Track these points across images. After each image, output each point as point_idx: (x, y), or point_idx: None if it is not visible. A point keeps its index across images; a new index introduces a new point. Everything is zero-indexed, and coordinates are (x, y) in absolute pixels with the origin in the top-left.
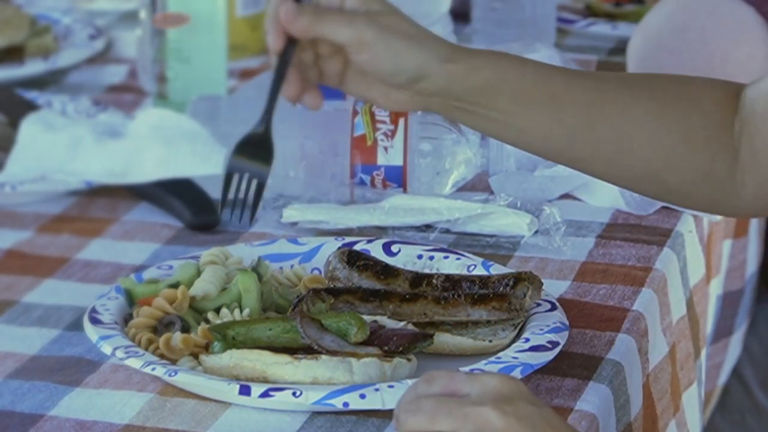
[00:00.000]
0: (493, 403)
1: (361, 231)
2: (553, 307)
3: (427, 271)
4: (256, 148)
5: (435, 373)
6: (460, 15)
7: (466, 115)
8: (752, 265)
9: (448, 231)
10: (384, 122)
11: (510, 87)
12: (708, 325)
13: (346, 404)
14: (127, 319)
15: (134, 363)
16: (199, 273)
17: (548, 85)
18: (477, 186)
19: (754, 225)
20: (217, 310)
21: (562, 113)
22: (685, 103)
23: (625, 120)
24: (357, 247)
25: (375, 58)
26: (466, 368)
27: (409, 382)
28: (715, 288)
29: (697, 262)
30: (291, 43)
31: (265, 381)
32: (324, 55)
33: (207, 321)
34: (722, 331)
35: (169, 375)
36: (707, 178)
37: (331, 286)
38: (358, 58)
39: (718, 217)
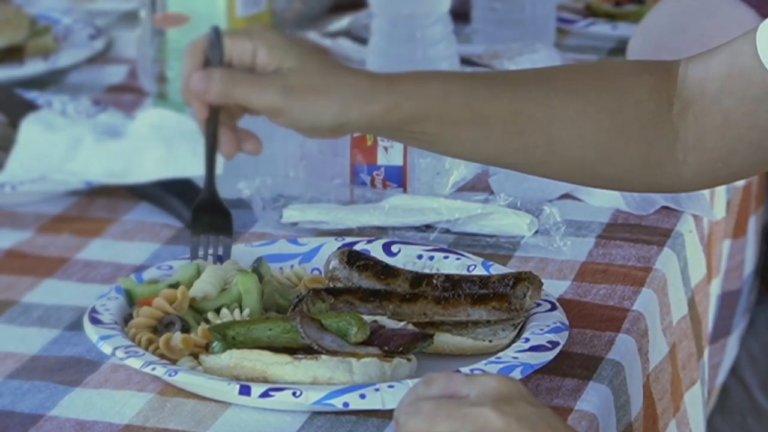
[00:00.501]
0: (492, 403)
1: (361, 231)
2: (553, 307)
3: (427, 271)
4: (212, 214)
5: (434, 375)
6: (460, 15)
7: (390, 135)
8: (750, 265)
9: (448, 231)
10: None
11: (434, 113)
12: (709, 325)
13: (346, 404)
14: (127, 319)
15: (134, 363)
16: (199, 273)
17: (473, 104)
18: (477, 186)
19: (753, 225)
20: (218, 311)
21: (488, 128)
22: (614, 97)
23: (553, 124)
24: (357, 247)
25: (291, 120)
26: (466, 368)
27: (409, 382)
28: (716, 288)
29: (698, 262)
30: (214, 108)
31: (265, 381)
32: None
33: (207, 321)
34: (720, 331)
35: (169, 375)
36: (645, 165)
37: (331, 286)
38: (275, 121)
39: (719, 217)
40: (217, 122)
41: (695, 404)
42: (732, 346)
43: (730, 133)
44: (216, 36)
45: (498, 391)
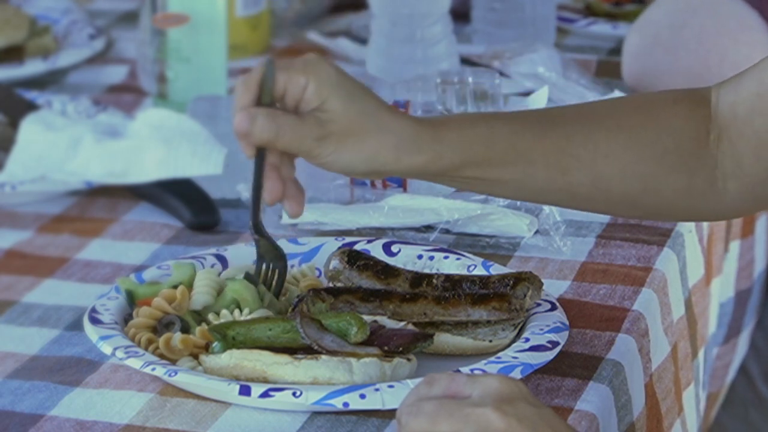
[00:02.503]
0: (494, 404)
1: (360, 232)
2: (553, 307)
3: (427, 271)
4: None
5: (436, 376)
6: (460, 15)
7: (429, 180)
8: (760, 264)
9: (447, 231)
10: None
11: (478, 159)
12: (709, 325)
13: (346, 404)
14: (127, 319)
15: (134, 363)
16: (195, 270)
17: (517, 146)
18: None
19: (761, 224)
20: (217, 311)
21: (532, 168)
22: (653, 127)
23: (597, 160)
24: (357, 247)
25: (329, 165)
26: (467, 368)
27: (409, 382)
28: (716, 288)
29: (696, 263)
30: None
31: (265, 381)
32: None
33: (207, 323)
34: (732, 331)
35: (169, 375)
36: (687, 195)
37: (331, 286)
38: (319, 161)
39: None
40: (263, 162)
41: (690, 405)
42: (742, 344)
43: (765, 154)
44: (270, 69)
45: (500, 392)
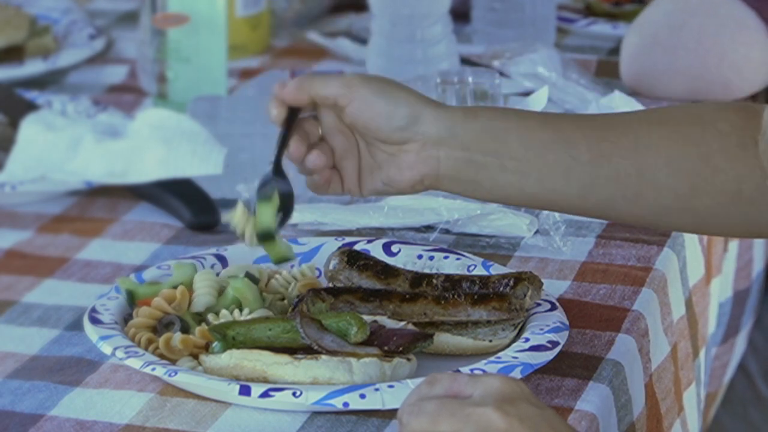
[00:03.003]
0: (495, 404)
1: (360, 232)
2: (553, 307)
3: (427, 271)
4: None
5: (438, 376)
6: (460, 15)
7: (481, 171)
8: (759, 263)
9: (447, 231)
10: None
11: (516, 128)
12: (709, 325)
13: (346, 404)
14: (127, 319)
15: (134, 363)
16: (195, 270)
17: (554, 124)
18: None
19: None
20: (217, 311)
21: (575, 149)
22: (698, 127)
23: (640, 150)
24: (357, 247)
25: (365, 103)
26: (467, 368)
27: (409, 382)
28: (716, 288)
29: (696, 262)
30: (293, 112)
31: (265, 381)
32: (336, 153)
33: (207, 323)
34: (731, 330)
35: (169, 375)
36: (736, 199)
37: (331, 286)
38: (350, 107)
39: None
40: (293, 122)
41: (691, 405)
42: (740, 344)
43: None
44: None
45: (501, 392)
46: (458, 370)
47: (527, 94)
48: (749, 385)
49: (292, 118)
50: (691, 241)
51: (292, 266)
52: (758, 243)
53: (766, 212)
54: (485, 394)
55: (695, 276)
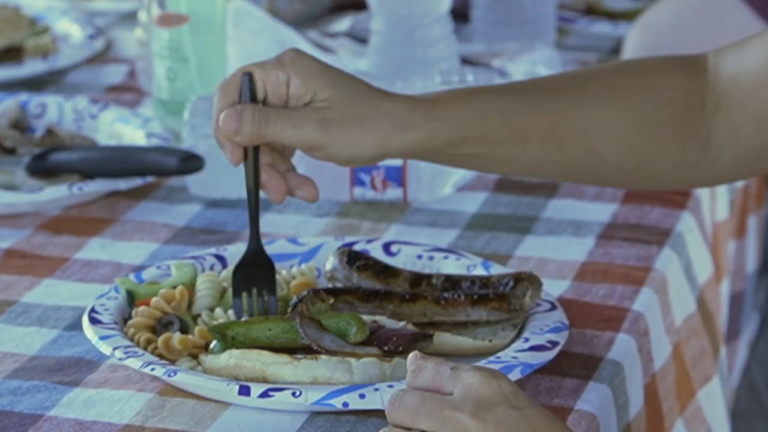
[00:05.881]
0: (472, 410)
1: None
2: (553, 307)
3: (427, 271)
4: (256, 269)
5: (422, 363)
6: (460, 15)
7: (428, 159)
8: (751, 265)
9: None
10: None
11: (474, 135)
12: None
13: (345, 404)
14: (126, 319)
15: (133, 363)
16: (195, 270)
17: (511, 121)
18: (477, 186)
19: (753, 225)
20: (211, 309)
21: (526, 143)
22: (648, 97)
23: (591, 133)
24: (357, 247)
25: (329, 155)
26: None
27: None
28: (725, 288)
29: (703, 260)
30: (252, 150)
31: (265, 381)
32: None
33: (206, 323)
34: (731, 333)
35: (169, 375)
36: (680, 165)
37: (331, 286)
38: (312, 156)
39: (721, 217)
40: (257, 165)
41: (713, 400)
42: (742, 348)
43: (765, 125)
44: (249, 80)
45: (479, 395)
46: (444, 364)
47: None
48: (755, 398)
49: (255, 158)
50: (694, 240)
51: (291, 266)
52: (751, 244)
53: (703, 172)
54: (464, 396)
55: (704, 274)
